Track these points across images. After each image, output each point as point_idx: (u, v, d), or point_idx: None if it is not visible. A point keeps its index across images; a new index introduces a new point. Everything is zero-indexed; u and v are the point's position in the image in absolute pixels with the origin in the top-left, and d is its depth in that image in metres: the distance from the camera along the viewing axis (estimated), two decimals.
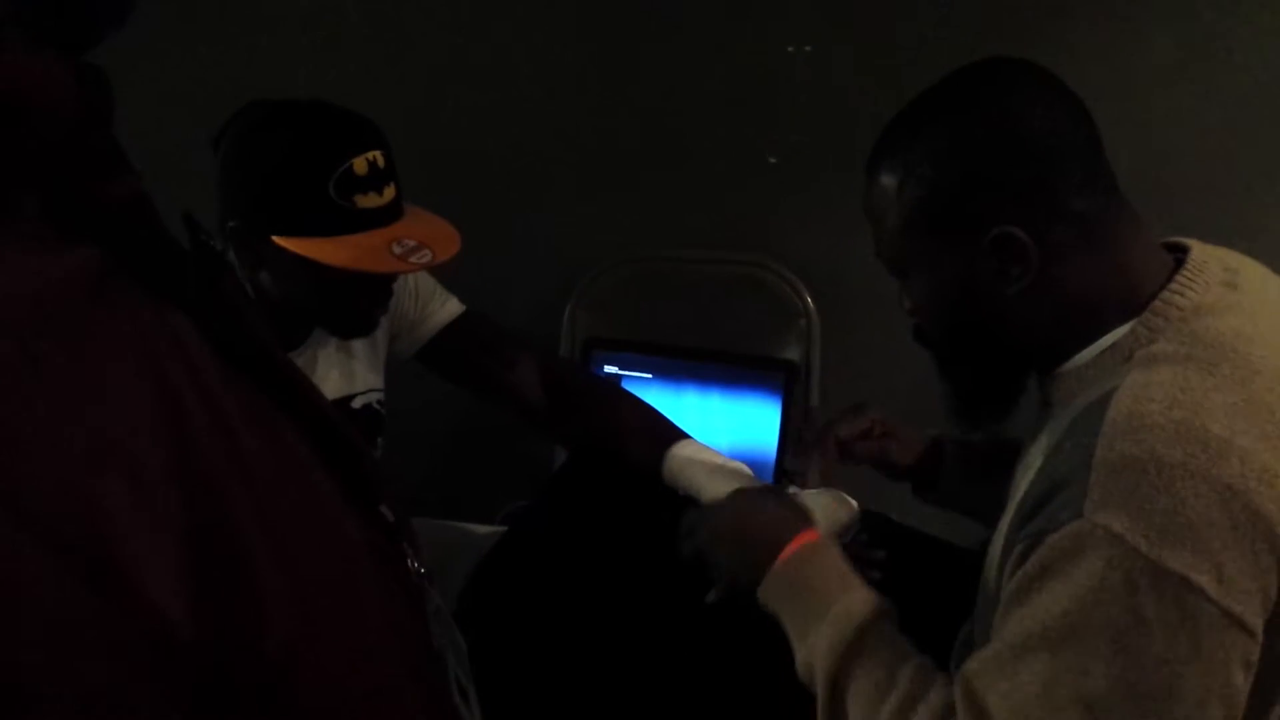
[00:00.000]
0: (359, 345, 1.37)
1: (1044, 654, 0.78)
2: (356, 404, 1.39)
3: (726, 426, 1.83)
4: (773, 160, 1.87)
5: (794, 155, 1.86)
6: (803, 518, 1.05)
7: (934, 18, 1.73)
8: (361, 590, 0.53)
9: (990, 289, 0.91)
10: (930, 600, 1.07)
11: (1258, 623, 0.77)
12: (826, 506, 1.16)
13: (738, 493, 1.14)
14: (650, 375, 1.85)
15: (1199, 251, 0.92)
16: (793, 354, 1.90)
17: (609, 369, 1.87)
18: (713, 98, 1.85)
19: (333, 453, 0.57)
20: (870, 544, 1.19)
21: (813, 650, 0.93)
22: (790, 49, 1.79)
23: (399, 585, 0.59)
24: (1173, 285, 0.88)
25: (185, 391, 0.47)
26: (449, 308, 1.44)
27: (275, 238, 1.13)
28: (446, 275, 1.42)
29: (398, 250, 1.14)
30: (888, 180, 0.94)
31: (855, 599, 0.94)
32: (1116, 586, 0.76)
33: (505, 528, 1.58)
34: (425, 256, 1.15)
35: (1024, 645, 0.80)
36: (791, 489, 1.22)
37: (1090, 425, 0.82)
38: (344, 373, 1.37)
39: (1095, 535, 0.77)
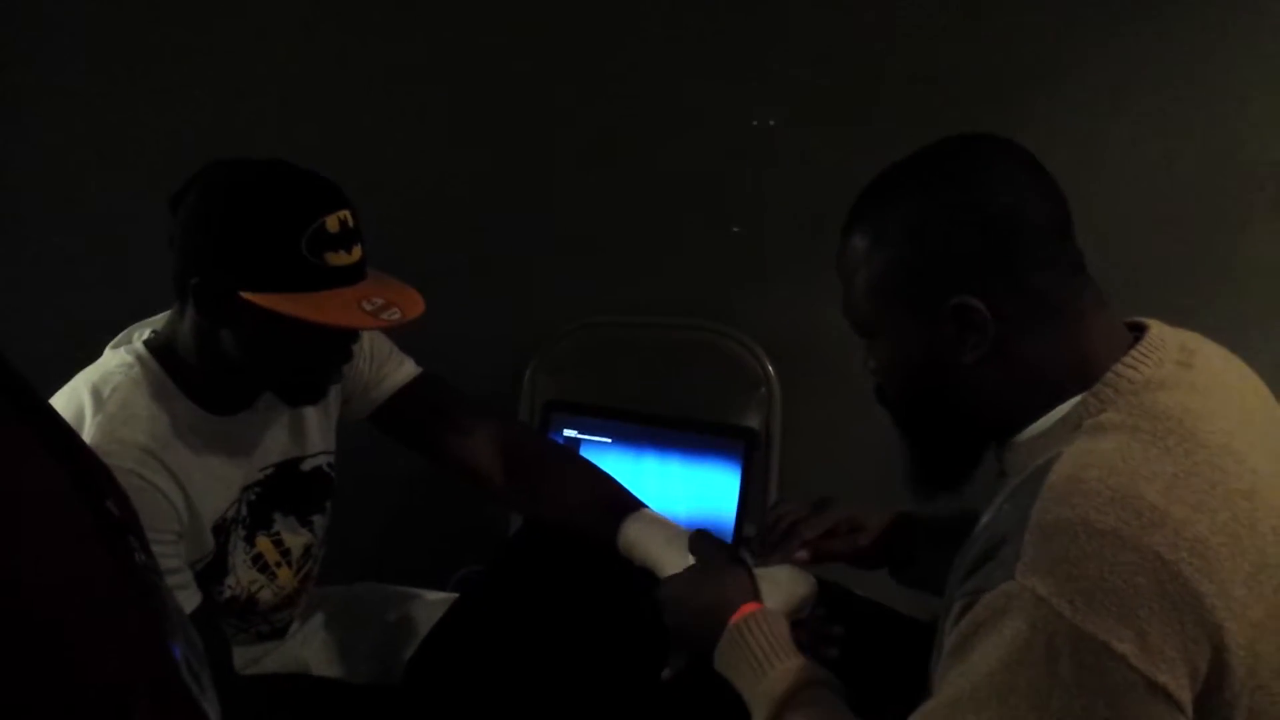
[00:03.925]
0: (310, 407, 1.35)
1: (972, 714, 0.79)
2: (306, 466, 1.37)
3: (686, 493, 1.81)
4: (736, 230, 1.88)
5: (756, 224, 1.87)
6: (746, 590, 1.10)
7: (898, 93, 1.76)
8: (97, 576, 0.55)
9: (948, 357, 0.92)
10: (887, 675, 1.06)
11: (1185, 694, 0.77)
12: (784, 582, 1.15)
13: (689, 570, 1.17)
14: (610, 440, 1.84)
15: (1158, 330, 0.94)
16: (753, 421, 1.90)
17: (569, 433, 1.85)
18: (677, 166, 1.86)
19: (62, 455, 0.57)
20: (829, 618, 1.17)
21: (755, 714, 0.99)
22: (755, 122, 1.81)
23: (126, 574, 0.59)
24: (1126, 359, 0.90)
25: None
26: (404, 370, 1.42)
27: (243, 293, 1.12)
28: (406, 337, 1.40)
29: (368, 308, 1.14)
30: (859, 243, 0.96)
31: (790, 665, 1.01)
32: (1039, 649, 0.77)
33: (457, 594, 1.55)
34: (395, 314, 1.15)
35: (955, 704, 0.81)
36: (748, 559, 1.21)
37: (1031, 488, 0.83)
38: (294, 434, 1.35)
39: (1023, 597, 0.78)
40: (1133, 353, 0.90)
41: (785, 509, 1.25)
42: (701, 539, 1.21)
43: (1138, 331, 0.94)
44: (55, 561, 0.51)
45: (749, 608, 1.07)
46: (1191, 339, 0.95)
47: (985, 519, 0.92)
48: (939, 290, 0.91)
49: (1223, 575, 0.78)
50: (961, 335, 0.91)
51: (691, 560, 1.20)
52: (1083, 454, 0.84)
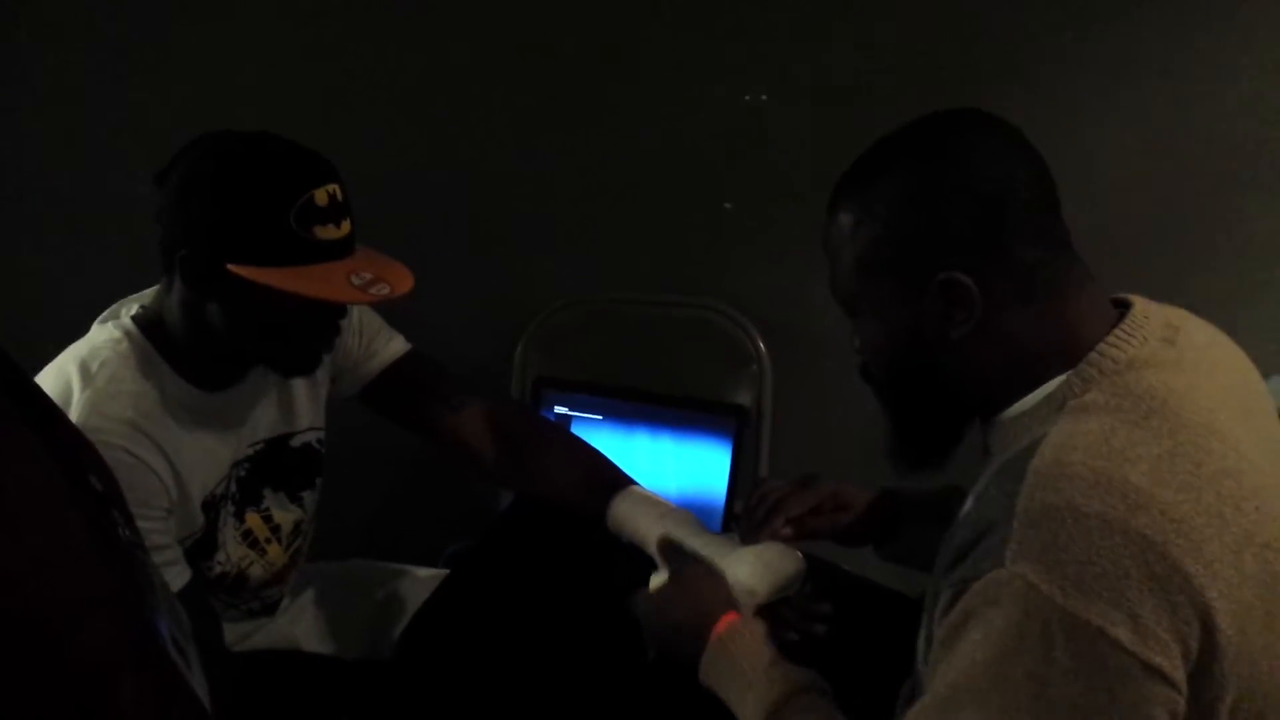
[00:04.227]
0: (299, 383, 1.35)
1: (971, 707, 0.79)
2: (295, 443, 1.36)
3: (676, 470, 1.82)
4: (727, 206, 1.87)
5: (748, 201, 1.87)
6: (723, 599, 1.10)
7: (888, 68, 1.76)
8: (80, 553, 0.55)
9: (934, 333, 0.92)
10: (877, 652, 1.07)
11: (1179, 674, 0.77)
12: (772, 560, 1.14)
13: (665, 585, 1.17)
14: (601, 417, 1.84)
15: (1142, 307, 0.93)
16: (744, 399, 1.90)
17: (559, 409, 1.85)
18: (668, 143, 1.85)
19: (43, 430, 0.57)
20: (816, 595, 1.17)
21: None
22: (746, 98, 1.80)
23: (110, 550, 0.58)
24: (1110, 338, 0.90)
25: None
26: (394, 346, 1.41)
27: (231, 266, 1.11)
28: (396, 313, 1.39)
29: (356, 282, 1.13)
30: (845, 218, 0.95)
31: (777, 673, 1.01)
32: (1034, 637, 0.77)
33: (447, 570, 1.55)
34: (383, 289, 1.14)
35: (952, 698, 0.80)
36: (735, 538, 1.21)
37: (1016, 472, 0.83)
38: (283, 411, 1.35)
39: (1013, 585, 0.78)
40: (1116, 331, 0.90)
41: (769, 487, 1.25)
42: (668, 547, 1.21)
43: (1123, 308, 0.94)
44: (34, 539, 0.50)
45: (729, 618, 1.07)
46: (1176, 315, 0.95)
47: (970, 501, 0.91)
48: (925, 265, 0.90)
49: (1209, 555, 0.78)
50: (948, 311, 0.90)
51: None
52: (1067, 437, 0.83)
